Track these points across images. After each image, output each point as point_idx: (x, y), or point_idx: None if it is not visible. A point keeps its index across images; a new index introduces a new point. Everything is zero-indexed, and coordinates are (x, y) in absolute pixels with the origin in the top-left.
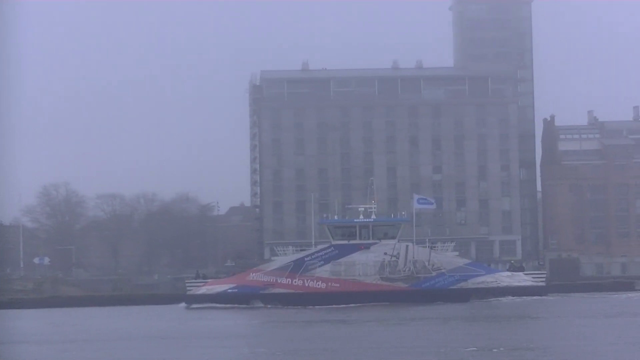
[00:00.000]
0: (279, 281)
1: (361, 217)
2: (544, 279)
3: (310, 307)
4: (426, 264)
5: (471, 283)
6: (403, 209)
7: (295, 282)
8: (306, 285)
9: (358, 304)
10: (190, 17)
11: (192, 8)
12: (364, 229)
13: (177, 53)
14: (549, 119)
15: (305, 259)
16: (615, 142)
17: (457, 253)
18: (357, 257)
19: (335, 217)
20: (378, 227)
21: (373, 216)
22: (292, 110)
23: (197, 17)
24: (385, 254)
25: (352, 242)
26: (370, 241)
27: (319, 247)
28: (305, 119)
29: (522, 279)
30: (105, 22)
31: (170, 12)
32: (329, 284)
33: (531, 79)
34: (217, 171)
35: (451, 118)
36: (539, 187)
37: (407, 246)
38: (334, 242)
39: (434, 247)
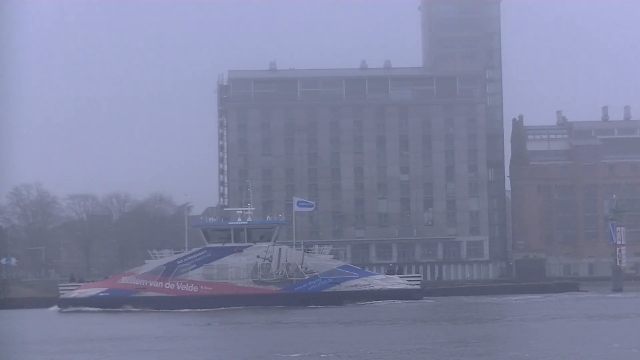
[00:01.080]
0: (150, 285)
1: (239, 219)
2: (419, 282)
3: (181, 310)
4: (299, 267)
5: (344, 286)
6: (369, 209)
7: (167, 285)
8: (178, 288)
9: (230, 308)
10: (160, 17)
11: (160, 8)
12: (239, 231)
13: (147, 53)
14: (517, 119)
15: (178, 262)
16: (584, 142)
17: (332, 256)
18: (229, 260)
19: (211, 220)
20: (253, 229)
21: (249, 219)
22: (259, 111)
23: (167, 18)
24: (258, 257)
25: (226, 245)
26: (245, 244)
27: (193, 250)
28: (272, 119)
29: (396, 282)
30: (76, 22)
31: (140, 12)
32: (201, 287)
33: (500, 79)
34: (190, 172)
35: (419, 118)
36: (508, 188)
37: (280, 249)
38: (208, 245)
39: (309, 250)
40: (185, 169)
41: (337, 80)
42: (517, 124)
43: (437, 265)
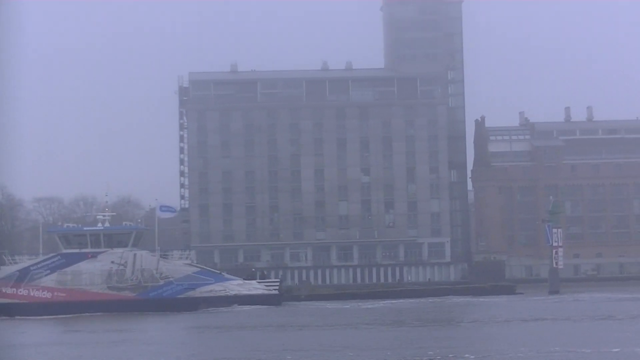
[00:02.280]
0: (3, 291)
1: (99, 225)
2: (277, 287)
3: (36, 317)
4: (154, 272)
5: (199, 292)
6: (330, 211)
7: (20, 291)
8: (31, 295)
9: (85, 314)
10: (123, 17)
11: (122, 8)
12: (95, 237)
13: (110, 53)
14: (479, 120)
15: (31, 268)
16: (545, 143)
17: (188, 261)
18: (84, 266)
19: (68, 226)
20: (110, 235)
21: (107, 224)
22: (219, 112)
23: (130, 18)
24: (113, 262)
25: (82, 250)
26: (101, 249)
27: (47, 255)
28: (231, 121)
29: (253, 287)
30: (34, 22)
31: (101, 12)
32: (55, 293)
33: (462, 80)
34: (153, 173)
35: (379, 120)
36: (471, 189)
37: (134, 255)
38: (63, 251)
39: (166, 255)
40: (148, 170)
41: (297, 81)
42: (479, 125)
43: (398, 267)
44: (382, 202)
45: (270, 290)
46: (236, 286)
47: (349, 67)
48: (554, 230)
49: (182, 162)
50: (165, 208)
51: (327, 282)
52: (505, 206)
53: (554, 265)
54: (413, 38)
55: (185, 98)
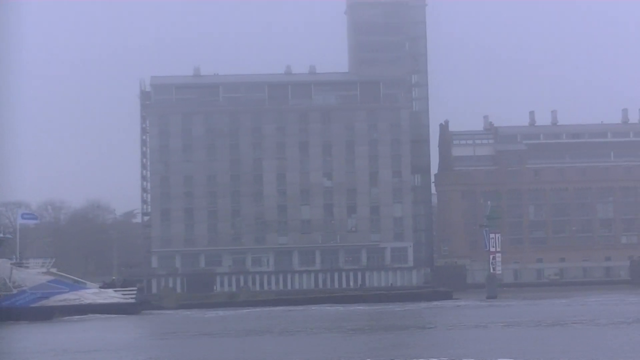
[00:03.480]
0: None
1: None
2: (134, 296)
3: None
4: (7, 281)
5: (53, 301)
6: (292, 215)
7: None
8: None
9: None
10: (86, 22)
11: (85, 12)
12: None
13: (75, 58)
14: (444, 124)
15: None
16: (509, 147)
17: (44, 270)
18: None
19: None
20: None
21: None
22: (180, 116)
23: (94, 22)
24: None
25: None
26: None
27: None
28: (193, 125)
29: (109, 296)
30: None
31: (66, 15)
32: None
33: (426, 84)
34: (116, 177)
35: (342, 123)
36: (435, 193)
37: None
38: None
39: (21, 263)
40: (112, 174)
41: (259, 85)
42: (444, 129)
43: (360, 272)
44: (344, 206)
45: (127, 299)
46: (91, 295)
47: (313, 71)
48: (492, 235)
49: (144, 166)
50: (27, 215)
51: (289, 287)
52: (469, 210)
53: (491, 271)
54: (376, 41)
55: (147, 102)
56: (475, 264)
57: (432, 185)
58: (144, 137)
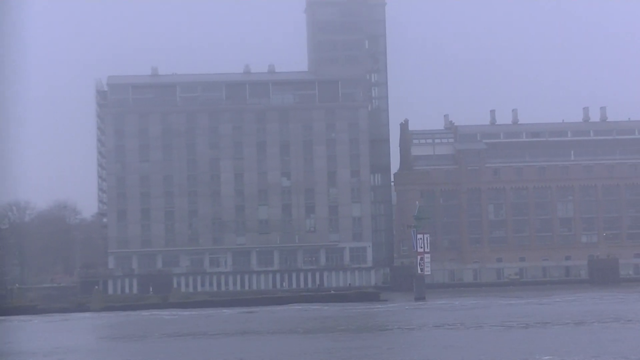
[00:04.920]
0: None
1: None
2: None
3: None
4: None
5: None
6: (250, 215)
7: None
8: None
9: None
10: (43, 20)
11: (43, 10)
12: None
13: (32, 56)
14: (404, 123)
15: None
16: (468, 146)
17: None
18: None
19: None
20: None
21: None
22: (137, 116)
23: (51, 21)
24: None
25: None
26: None
27: None
28: (150, 125)
29: None
30: None
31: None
32: None
33: (385, 83)
34: (74, 177)
35: (300, 123)
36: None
37: None
38: None
39: None
40: (76, 175)
41: (217, 85)
42: (404, 127)
43: (318, 272)
44: (302, 206)
45: None
46: None
47: (272, 70)
48: (419, 236)
49: (102, 166)
50: None
51: (247, 287)
52: (428, 210)
53: (419, 272)
54: (335, 40)
55: (103, 102)
56: (434, 264)
57: (392, 185)
58: (102, 136)
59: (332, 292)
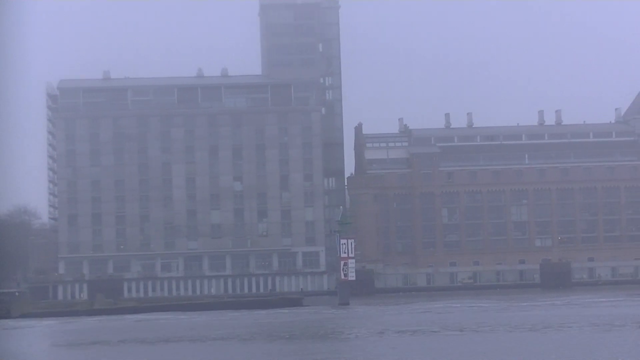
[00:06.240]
0: None
1: None
2: None
3: None
4: None
5: None
6: (202, 220)
7: None
8: None
9: None
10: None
11: None
12: None
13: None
14: (358, 126)
15: None
16: (422, 150)
17: None
18: None
19: None
20: None
21: None
22: (88, 120)
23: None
24: None
25: None
26: None
27: None
28: (101, 129)
29: None
30: None
31: None
32: None
33: (339, 86)
34: (29, 183)
35: (252, 127)
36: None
37: None
38: None
39: None
40: (21, 180)
41: (169, 88)
42: (358, 131)
43: (271, 277)
44: (255, 210)
45: None
46: None
47: (225, 73)
48: (343, 241)
49: (52, 170)
50: None
51: (199, 292)
52: (381, 214)
53: (342, 277)
54: (289, 44)
55: (54, 106)
56: (388, 268)
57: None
58: (53, 141)
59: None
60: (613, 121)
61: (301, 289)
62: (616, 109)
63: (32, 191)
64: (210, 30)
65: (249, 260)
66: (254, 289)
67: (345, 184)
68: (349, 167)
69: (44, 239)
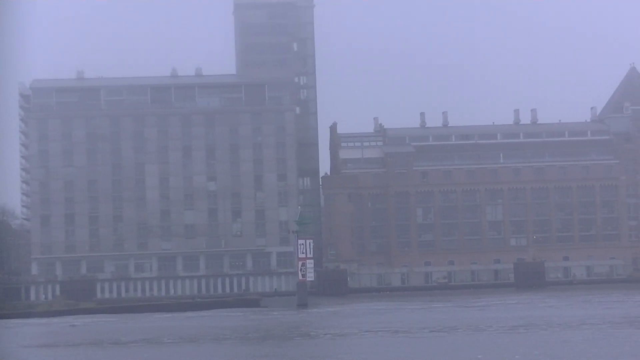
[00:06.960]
0: None
1: None
2: None
3: None
4: None
5: None
6: (175, 220)
7: None
8: None
9: None
10: None
11: None
12: None
13: None
14: (333, 126)
15: None
16: (397, 149)
17: None
18: None
19: None
20: None
21: None
22: (61, 120)
23: None
24: None
25: None
26: None
27: None
28: (74, 129)
29: None
30: None
31: None
32: None
33: (314, 86)
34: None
35: (226, 127)
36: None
37: None
38: None
39: None
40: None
41: (142, 88)
42: (332, 131)
43: (244, 277)
44: (229, 210)
45: None
46: None
47: (199, 73)
48: (301, 241)
49: (25, 170)
50: None
51: (172, 293)
52: (356, 214)
53: (301, 278)
54: (263, 43)
55: (27, 105)
56: (362, 268)
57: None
58: (26, 140)
59: (197, 299)
60: (589, 120)
61: (275, 289)
62: (592, 108)
63: (5, 192)
64: (185, 30)
65: (223, 261)
66: (227, 289)
67: (320, 183)
68: (324, 167)
69: (18, 239)
